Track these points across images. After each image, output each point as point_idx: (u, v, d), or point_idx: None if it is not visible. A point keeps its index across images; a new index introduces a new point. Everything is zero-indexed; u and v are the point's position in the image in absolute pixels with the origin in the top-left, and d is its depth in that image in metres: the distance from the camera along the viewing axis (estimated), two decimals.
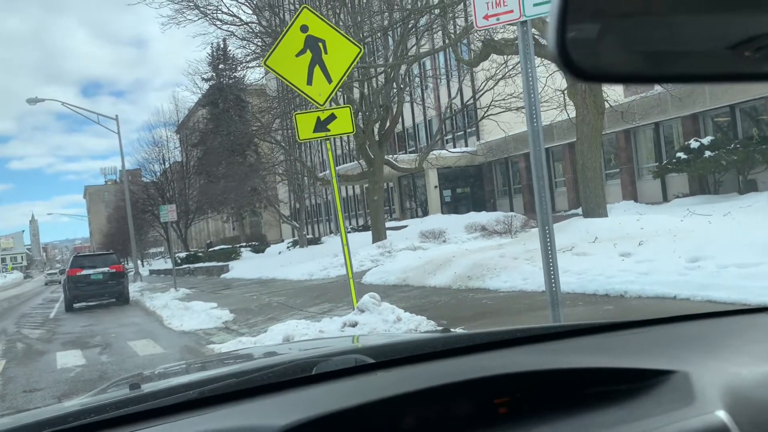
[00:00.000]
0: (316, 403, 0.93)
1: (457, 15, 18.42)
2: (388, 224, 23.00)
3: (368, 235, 21.13)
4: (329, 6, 19.52)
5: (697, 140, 19.09)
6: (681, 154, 19.28)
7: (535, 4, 4.43)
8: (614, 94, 18.06)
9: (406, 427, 0.93)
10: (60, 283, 33.83)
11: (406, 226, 23.57)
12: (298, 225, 31.57)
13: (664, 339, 1.27)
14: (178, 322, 11.67)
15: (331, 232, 38.98)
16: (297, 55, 7.57)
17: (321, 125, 7.48)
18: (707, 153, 18.26)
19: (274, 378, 1.05)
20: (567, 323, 1.32)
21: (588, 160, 12.89)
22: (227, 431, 0.86)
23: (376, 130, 20.72)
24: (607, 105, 14.95)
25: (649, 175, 22.62)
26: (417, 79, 28.60)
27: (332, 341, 2.02)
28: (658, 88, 17.24)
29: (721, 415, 0.88)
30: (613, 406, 0.94)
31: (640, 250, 9.00)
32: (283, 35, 7.75)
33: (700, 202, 16.75)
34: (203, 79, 36.12)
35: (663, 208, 17.80)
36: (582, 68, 0.57)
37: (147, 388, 1.15)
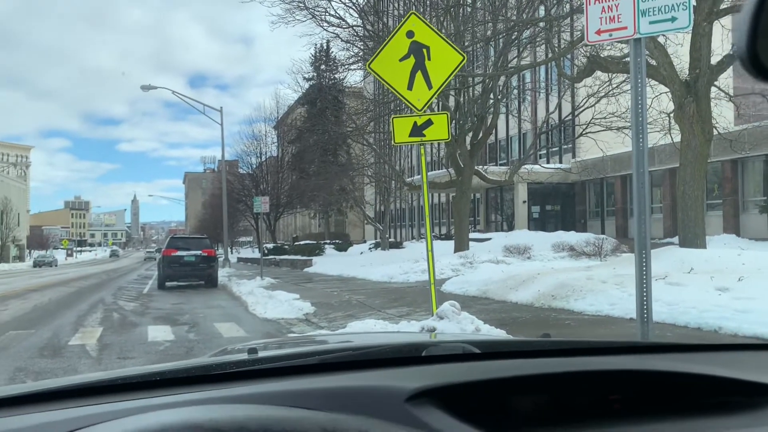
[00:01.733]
0: (435, 376, 0.96)
1: (563, 29, 18.07)
2: (471, 235, 22.82)
3: (450, 244, 21.03)
4: (433, 14, 19.62)
5: None
6: None
7: (651, 22, 4.30)
8: (724, 121, 17.13)
9: (520, 409, 0.96)
10: (155, 260, 35.69)
11: (489, 239, 23.32)
12: (381, 227, 31.87)
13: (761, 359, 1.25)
14: (261, 309, 12.07)
15: (413, 238, 39.08)
16: (400, 60, 7.68)
17: (417, 130, 7.55)
18: None
19: (390, 354, 1.09)
20: (673, 342, 1.30)
21: (689, 187, 12.30)
22: (359, 388, 0.91)
23: (468, 140, 20.61)
24: (715, 132, 14.21)
25: (755, 209, 21.29)
26: (515, 91, 28.25)
27: (414, 335, 2.05)
28: None
29: None
30: (733, 415, 0.94)
31: (739, 285, 8.50)
32: (389, 39, 7.88)
33: None
34: (304, 78, 37.19)
35: None
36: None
37: (263, 354, 1.23)
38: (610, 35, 4.32)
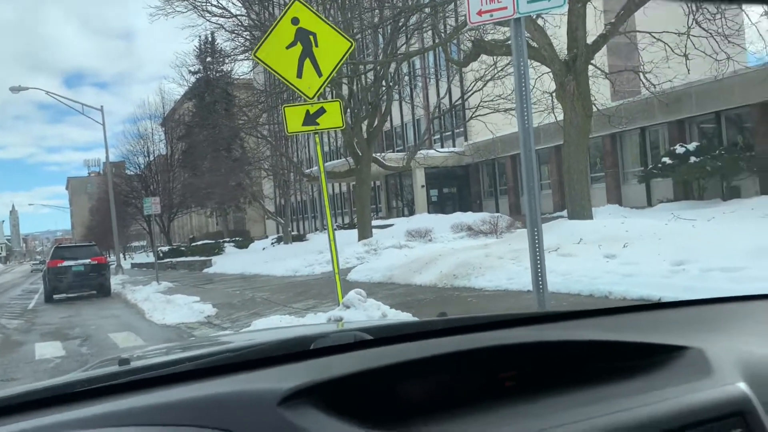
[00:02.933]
0: (317, 371, 0.90)
1: (447, 15, 18.42)
2: (374, 222, 22.95)
3: (354, 233, 21.07)
4: (319, 1, 19.42)
5: (682, 146, 19.25)
6: (666, 160, 19.43)
7: (529, 1, 4.40)
8: (602, 97, 18.14)
9: (410, 395, 0.91)
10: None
11: (392, 225, 23.55)
12: (282, 221, 31.43)
13: (672, 319, 1.27)
14: (159, 315, 11.55)
15: (316, 229, 38.85)
16: (287, 48, 7.50)
17: (310, 119, 7.41)
18: (692, 159, 18.43)
19: (271, 352, 1.01)
20: (569, 309, 1.30)
21: (574, 162, 12.93)
22: (228, 395, 0.83)
23: (364, 128, 20.66)
24: (594, 108, 15.01)
25: (635, 180, 22.78)
26: (406, 78, 28.58)
27: (320, 326, 1.97)
28: (645, 92, 17.34)
29: (742, 386, 0.89)
30: (627, 380, 0.93)
31: (624, 252, 9.04)
32: (274, 27, 7.68)
33: (685, 207, 16.89)
34: (190, 71, 35.80)
35: (647, 212, 17.92)
36: None
37: (136, 364, 1.11)
38: (491, 15, 4.38)
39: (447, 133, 31.96)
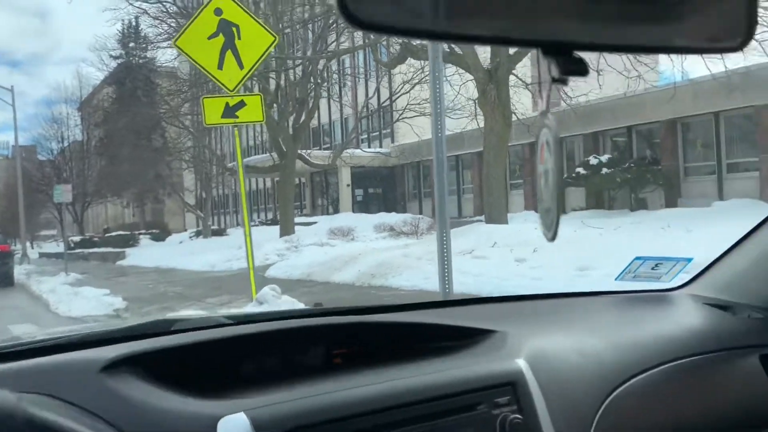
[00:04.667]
0: (154, 345, 0.94)
1: None
2: (297, 219, 22.81)
3: (276, 229, 20.87)
4: None
5: (596, 157, 20.17)
6: (581, 170, 20.30)
7: None
8: (522, 107, 18.77)
9: (244, 372, 0.98)
10: None
11: (315, 223, 23.46)
12: (203, 215, 30.71)
13: (499, 309, 1.45)
14: (65, 307, 11.07)
15: (238, 224, 38.15)
16: (209, 38, 7.36)
17: (229, 111, 7.31)
18: (604, 170, 19.34)
19: (125, 332, 1.05)
20: (420, 301, 1.45)
21: (493, 168, 13.33)
22: (55, 365, 0.87)
23: (290, 123, 20.49)
24: (514, 117, 15.51)
25: None
26: (335, 76, 28.54)
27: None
28: (563, 104, 18.08)
29: (519, 362, 1.03)
30: (437, 358, 1.06)
31: (534, 256, 9.40)
32: (196, 16, 7.55)
33: (595, 216, 17.69)
34: (111, 56, 34.41)
35: (561, 219, 18.63)
36: (356, 16, 0.54)
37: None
38: None
39: (374, 134, 32.15)
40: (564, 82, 0.59)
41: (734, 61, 14.62)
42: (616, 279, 1.76)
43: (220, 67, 7.35)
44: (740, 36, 0.60)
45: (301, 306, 7.94)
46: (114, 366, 0.86)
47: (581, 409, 1.05)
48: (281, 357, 1.03)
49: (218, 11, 7.27)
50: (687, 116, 18.77)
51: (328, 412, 0.83)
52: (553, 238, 0.73)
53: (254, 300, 7.64)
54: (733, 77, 14.99)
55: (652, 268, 1.68)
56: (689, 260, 1.67)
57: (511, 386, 0.98)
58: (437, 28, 0.56)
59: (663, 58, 22.02)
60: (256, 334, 1.02)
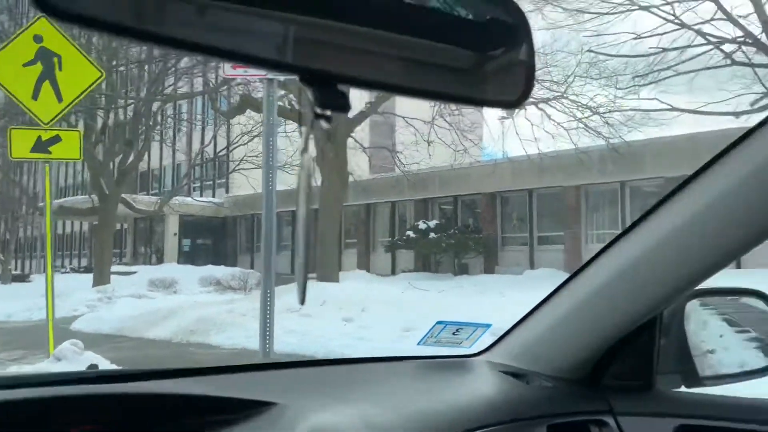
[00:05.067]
0: None
1: (219, 65, 18.28)
2: (115, 268, 21.16)
3: (90, 277, 19.16)
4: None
5: (425, 222, 21.18)
6: (410, 233, 21.18)
7: None
8: (359, 169, 19.31)
9: None
10: None
11: (135, 272, 21.91)
12: (3, 258, 27.47)
13: (289, 377, 1.38)
14: None
15: (43, 270, 34.60)
16: (24, 65, 6.73)
17: (42, 145, 6.66)
18: (432, 234, 20.34)
19: None
20: (204, 366, 1.34)
21: (327, 227, 13.44)
22: None
23: (116, 165, 19.22)
24: (351, 178, 15.88)
25: (382, 248, 24.36)
26: (170, 120, 27.48)
27: None
28: (398, 170, 18.89)
29: None
30: None
31: (362, 316, 9.48)
32: (12, 40, 6.92)
33: (422, 278, 18.42)
34: None
35: (391, 279, 19.18)
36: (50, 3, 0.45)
37: None
38: (246, 71, 4.40)
39: (208, 183, 31.18)
40: (327, 118, 0.54)
41: (546, 144, 16.35)
42: (418, 344, 1.76)
43: (34, 97, 6.71)
44: (518, 92, 0.61)
45: (106, 363, 7.23)
46: None
47: None
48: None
49: (38, 38, 6.68)
50: (505, 191, 20.48)
51: None
52: (302, 302, 0.66)
53: (51, 356, 6.82)
54: (545, 159, 16.69)
55: (453, 333, 1.70)
56: (488, 326, 1.71)
57: None
58: (156, 29, 0.48)
59: (486, 136, 24.03)
60: None
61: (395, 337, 8.01)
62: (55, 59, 6.83)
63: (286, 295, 8.98)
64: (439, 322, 1.73)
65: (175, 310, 11.87)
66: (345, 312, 9.96)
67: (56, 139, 6.76)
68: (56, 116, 6.79)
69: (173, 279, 18.57)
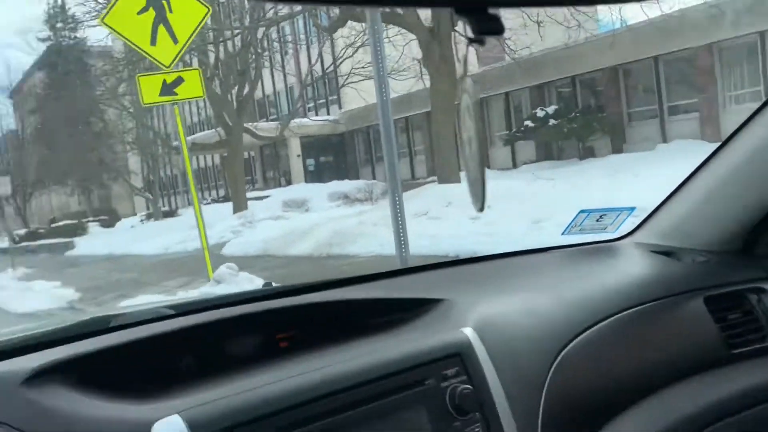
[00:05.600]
0: (85, 348, 0.89)
1: None
2: (249, 194, 22.49)
3: (229, 206, 20.54)
4: None
5: (542, 109, 20.37)
6: (528, 123, 20.51)
7: None
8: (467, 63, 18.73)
9: (183, 368, 0.94)
10: None
11: (268, 196, 23.17)
12: (152, 197, 29.99)
13: (447, 275, 1.44)
14: (16, 304, 10.70)
15: (189, 204, 37.44)
16: (139, 13, 7.05)
17: (167, 88, 7.06)
18: (551, 121, 19.58)
19: (51, 336, 0.98)
20: (366, 274, 1.44)
21: (442, 128, 13.32)
22: None
23: (234, 96, 20.00)
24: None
25: (501, 143, 23.87)
26: (276, 44, 27.92)
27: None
28: (507, 58, 18.10)
29: (466, 331, 1.02)
30: (384, 333, 1.04)
31: (488, 213, 9.48)
32: None
33: (546, 167, 17.96)
34: (39, 39, 32.83)
35: (513, 173, 18.89)
36: None
37: None
38: None
39: (321, 101, 31.72)
40: (480, 42, 0.55)
41: (669, 4, 14.87)
42: (562, 234, 1.76)
43: (153, 43, 7.06)
44: None
45: (259, 281, 7.86)
46: (38, 376, 0.80)
47: (532, 371, 1.05)
48: (223, 348, 0.99)
49: None
50: (627, 62, 19.06)
51: (267, 405, 0.80)
52: (481, 209, 0.70)
53: (211, 279, 7.52)
54: (669, 20, 15.24)
55: (597, 220, 1.68)
56: (632, 209, 1.68)
57: (459, 357, 0.96)
58: None
59: (601, 7, 22.22)
60: (196, 326, 0.97)
61: (526, 230, 7.99)
62: (164, 2, 7.08)
63: (411, 201, 9.16)
64: (582, 211, 1.71)
65: (311, 227, 12.50)
66: (471, 211, 10.00)
67: (179, 81, 7.13)
68: (175, 58, 7.14)
69: (304, 198, 19.45)
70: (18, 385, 0.78)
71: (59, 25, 34.32)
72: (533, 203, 9.47)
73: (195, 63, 19.40)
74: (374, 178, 25.31)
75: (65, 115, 27.83)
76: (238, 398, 0.80)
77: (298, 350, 0.99)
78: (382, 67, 4.53)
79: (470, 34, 0.55)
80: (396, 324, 1.08)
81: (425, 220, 9.62)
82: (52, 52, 33.20)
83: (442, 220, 9.71)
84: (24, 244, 30.55)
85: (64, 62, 31.42)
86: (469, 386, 0.93)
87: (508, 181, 13.24)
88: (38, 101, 35.79)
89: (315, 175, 29.54)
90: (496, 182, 12.78)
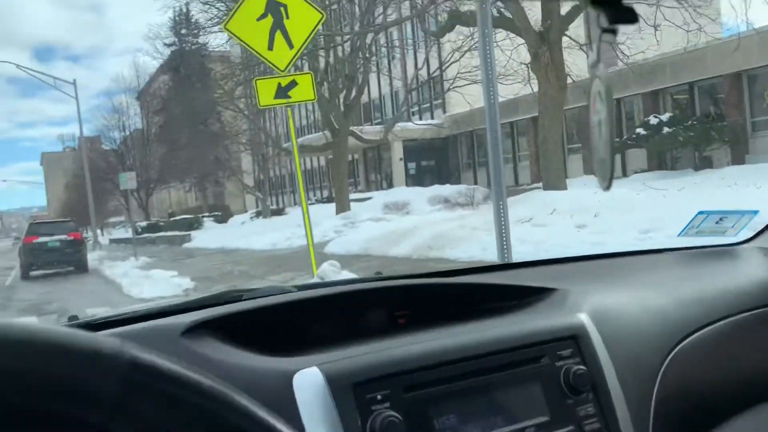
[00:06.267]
0: (227, 310, 1.01)
1: None
2: (352, 196, 22.99)
3: (332, 206, 21.10)
4: None
5: (656, 116, 19.42)
6: (641, 130, 19.61)
7: None
8: (577, 68, 18.24)
9: (312, 334, 1.04)
10: None
11: (370, 198, 23.60)
12: (261, 196, 31.32)
13: (559, 270, 1.46)
14: (137, 290, 11.54)
15: (295, 204, 38.78)
16: (258, 20, 7.45)
17: (282, 92, 7.40)
18: (665, 129, 18.63)
19: (194, 303, 1.11)
20: (478, 266, 1.48)
21: (549, 133, 13.07)
22: (143, 330, 0.93)
23: (341, 100, 20.55)
24: (569, 79, 15.10)
25: None
26: (383, 49, 28.38)
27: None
28: (620, 63, 17.44)
29: (582, 316, 1.04)
30: (499, 316, 1.08)
31: (595, 221, 9.22)
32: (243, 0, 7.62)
33: (657, 177, 17.13)
34: (165, 44, 35.21)
35: (622, 182, 18.12)
36: None
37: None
38: None
39: (425, 105, 31.88)
40: (614, 32, 0.60)
41: None
42: (678, 235, 1.72)
43: (270, 47, 7.44)
44: None
45: None
46: (192, 330, 0.91)
47: (645, 362, 1.06)
48: (346, 319, 1.07)
49: None
50: (753, 68, 17.83)
51: (396, 365, 0.86)
52: (608, 188, 0.74)
53: (315, 276, 7.79)
54: None
55: (717, 222, 1.63)
56: (755, 212, 1.62)
57: (574, 339, 0.99)
58: None
59: (725, 8, 20.92)
60: (322, 297, 1.07)
61: (633, 240, 7.69)
62: (282, 9, 7.45)
63: (514, 207, 9.05)
64: (700, 212, 1.67)
65: (411, 229, 12.62)
66: (577, 219, 9.76)
67: (293, 84, 7.46)
68: (290, 62, 7.48)
69: (405, 201, 19.64)
70: (178, 335, 0.89)
71: (183, 31, 36.69)
72: (642, 213, 9.09)
73: (306, 67, 20.14)
74: (476, 183, 25.15)
75: (186, 116, 29.69)
76: (369, 357, 0.87)
77: (415, 327, 1.04)
78: (491, 70, 4.56)
79: (604, 24, 0.59)
80: (511, 309, 1.12)
81: (529, 227, 9.48)
82: (176, 57, 35.52)
83: (546, 227, 9.54)
84: (145, 235, 32.87)
85: (186, 66, 33.52)
86: (583, 367, 0.95)
87: (617, 190, 12.76)
88: (162, 102, 38.38)
89: (416, 179, 29.74)
90: (602, 191, 12.36)
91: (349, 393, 0.81)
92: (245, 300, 1.11)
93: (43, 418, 0.44)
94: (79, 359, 0.41)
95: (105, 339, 0.47)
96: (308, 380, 0.82)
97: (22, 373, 0.41)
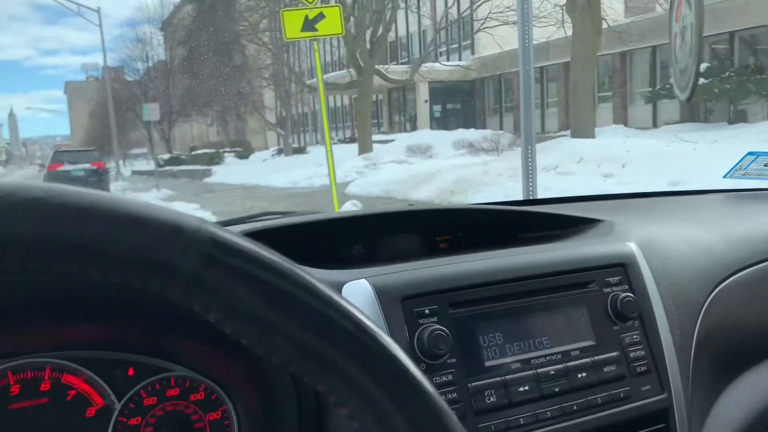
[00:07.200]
0: (271, 224, 1.03)
1: None
2: (375, 137, 22.80)
3: (355, 147, 20.96)
4: None
5: None
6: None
7: None
8: (614, 13, 17.56)
9: (356, 252, 1.07)
10: None
11: (393, 140, 23.38)
12: (283, 133, 31.19)
13: (602, 204, 1.47)
14: None
15: (317, 142, 38.63)
16: None
17: (309, 24, 7.21)
18: (701, 80, 18.00)
19: (234, 221, 1.14)
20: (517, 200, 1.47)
21: (581, 79, 12.70)
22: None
23: (367, 37, 20.10)
24: (605, 24, 14.55)
25: (642, 100, 22.39)
26: None
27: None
28: (659, 9, 16.75)
29: (630, 245, 1.03)
30: (545, 243, 1.08)
31: (622, 171, 9.03)
32: None
33: (689, 129, 16.68)
34: None
35: (652, 133, 17.72)
36: None
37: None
38: None
39: (453, 46, 31.12)
40: None
41: None
42: (724, 176, 1.64)
43: None
44: None
45: None
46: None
47: (690, 295, 1.06)
48: (390, 239, 1.09)
49: None
50: None
51: (443, 282, 0.87)
52: (688, 99, 0.65)
53: None
54: None
55: (766, 165, 1.54)
56: None
57: (622, 267, 0.99)
58: None
59: None
60: (367, 216, 1.09)
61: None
62: None
63: (540, 154, 8.86)
64: (750, 153, 1.59)
65: (434, 173, 12.50)
66: (604, 168, 9.56)
67: (320, 17, 7.25)
68: None
69: (428, 144, 19.42)
70: None
71: None
72: (671, 165, 8.88)
73: (333, 1, 19.62)
74: (501, 129, 24.74)
75: (209, 48, 29.32)
76: (417, 272, 0.87)
77: (458, 250, 1.04)
78: (528, 10, 4.36)
79: None
80: (558, 237, 1.12)
81: (554, 175, 9.32)
82: None
83: (572, 175, 9.37)
84: (167, 168, 33.08)
85: None
86: (631, 295, 0.95)
87: (647, 141, 12.46)
88: (186, 33, 37.88)
89: (440, 122, 29.33)
90: (634, 140, 12.07)
91: (398, 306, 0.82)
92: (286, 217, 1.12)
93: (124, 291, 0.43)
94: (162, 233, 0.40)
95: (187, 215, 0.44)
96: (358, 291, 0.83)
97: (106, 244, 0.40)
